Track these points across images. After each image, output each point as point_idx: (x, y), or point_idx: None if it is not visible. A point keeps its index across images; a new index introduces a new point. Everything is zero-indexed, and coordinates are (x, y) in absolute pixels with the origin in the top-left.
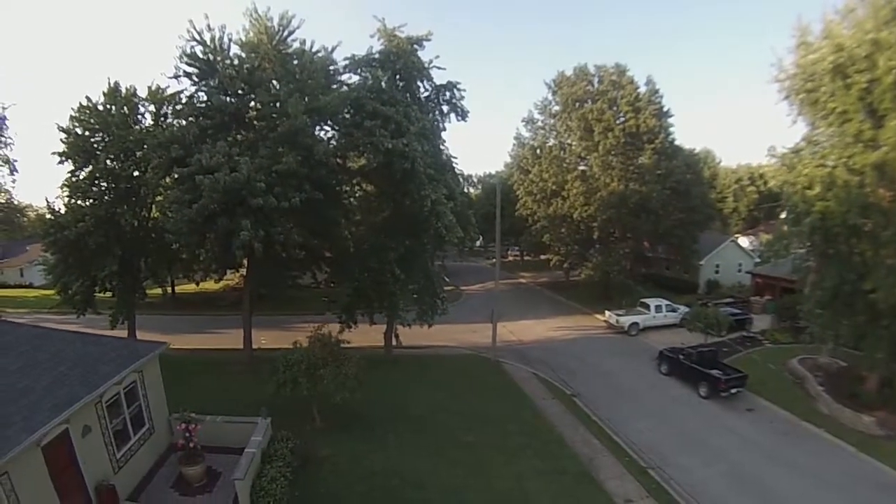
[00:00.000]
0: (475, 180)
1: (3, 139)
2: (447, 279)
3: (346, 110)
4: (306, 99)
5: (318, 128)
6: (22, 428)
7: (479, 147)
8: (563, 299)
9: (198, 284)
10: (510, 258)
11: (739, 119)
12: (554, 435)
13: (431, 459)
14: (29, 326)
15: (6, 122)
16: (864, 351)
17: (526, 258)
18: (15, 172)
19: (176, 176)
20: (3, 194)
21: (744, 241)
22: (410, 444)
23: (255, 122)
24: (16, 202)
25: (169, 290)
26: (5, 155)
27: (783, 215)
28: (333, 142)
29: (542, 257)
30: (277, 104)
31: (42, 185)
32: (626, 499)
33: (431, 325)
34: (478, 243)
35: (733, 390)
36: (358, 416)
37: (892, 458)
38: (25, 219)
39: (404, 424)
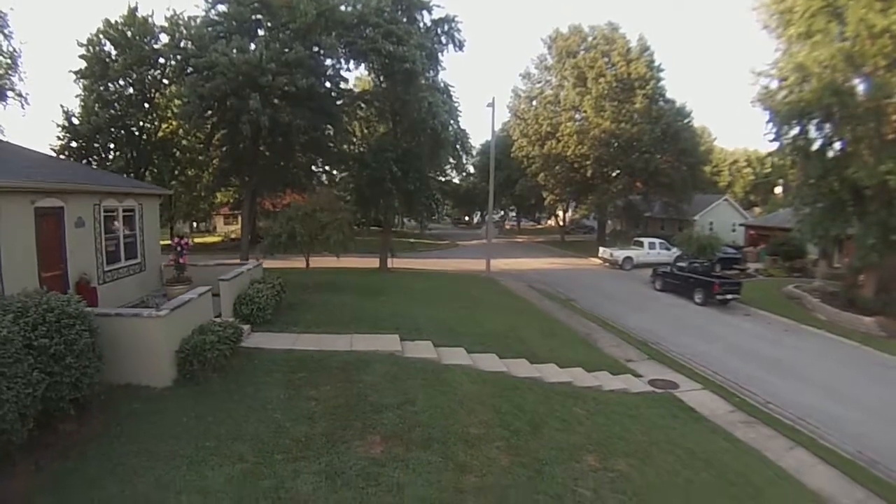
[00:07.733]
0: (474, 153)
1: (17, 74)
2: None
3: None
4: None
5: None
6: (19, 176)
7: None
8: (559, 250)
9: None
10: (508, 227)
11: (738, 107)
12: (551, 317)
13: (426, 309)
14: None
15: (21, 57)
16: (856, 241)
17: (523, 226)
18: (27, 105)
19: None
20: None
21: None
22: (405, 301)
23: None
24: None
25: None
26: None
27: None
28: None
29: (540, 221)
30: (288, 11)
31: None
32: (626, 359)
33: (424, 231)
34: (476, 219)
35: (728, 296)
36: (353, 287)
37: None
38: None
39: (400, 293)
